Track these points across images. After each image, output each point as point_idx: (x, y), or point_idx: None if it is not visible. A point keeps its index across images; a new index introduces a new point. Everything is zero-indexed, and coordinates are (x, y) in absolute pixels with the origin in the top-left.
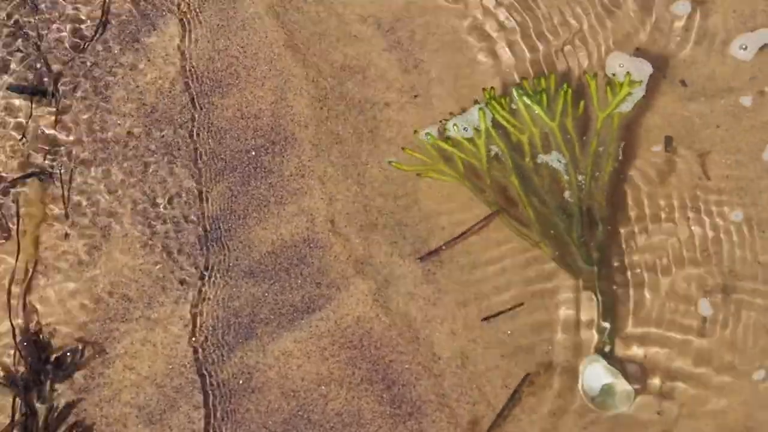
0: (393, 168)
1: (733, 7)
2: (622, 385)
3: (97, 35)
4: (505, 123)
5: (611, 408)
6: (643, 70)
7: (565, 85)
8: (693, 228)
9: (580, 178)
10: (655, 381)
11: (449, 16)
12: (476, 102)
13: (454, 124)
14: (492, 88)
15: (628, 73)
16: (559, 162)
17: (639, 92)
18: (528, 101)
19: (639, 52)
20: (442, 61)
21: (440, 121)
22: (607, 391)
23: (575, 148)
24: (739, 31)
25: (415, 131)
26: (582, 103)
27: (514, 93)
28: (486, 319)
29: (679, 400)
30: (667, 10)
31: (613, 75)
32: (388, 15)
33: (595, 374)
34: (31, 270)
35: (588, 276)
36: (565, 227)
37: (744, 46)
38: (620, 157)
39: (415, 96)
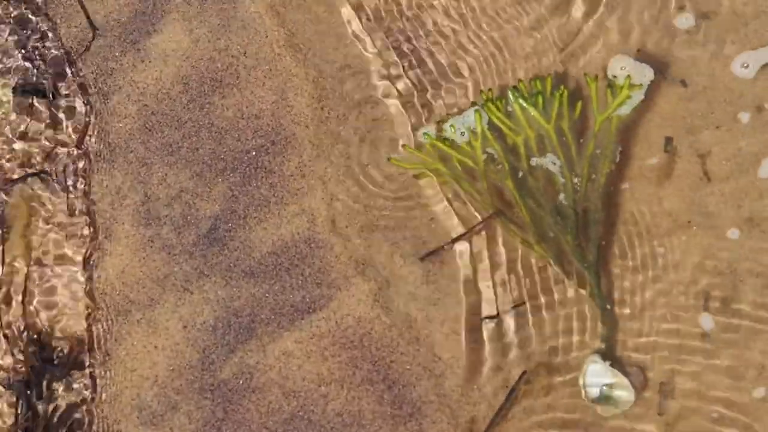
0: (394, 168)
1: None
2: (622, 386)
3: (98, 36)
4: (501, 125)
5: (612, 409)
6: (645, 74)
7: (561, 87)
8: (692, 228)
9: (576, 180)
10: (656, 382)
11: (445, 17)
12: (473, 104)
13: (451, 125)
14: (490, 89)
15: (628, 76)
16: (554, 164)
17: (638, 96)
18: (524, 103)
19: (641, 55)
20: (443, 61)
21: (437, 122)
22: (607, 391)
23: (572, 150)
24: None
25: (416, 130)
26: (579, 105)
27: (510, 95)
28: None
29: (679, 401)
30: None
31: (614, 77)
32: (388, 15)
33: (596, 375)
34: (26, 270)
35: (584, 278)
36: (560, 229)
37: (746, 65)
38: (617, 160)
39: (416, 96)
